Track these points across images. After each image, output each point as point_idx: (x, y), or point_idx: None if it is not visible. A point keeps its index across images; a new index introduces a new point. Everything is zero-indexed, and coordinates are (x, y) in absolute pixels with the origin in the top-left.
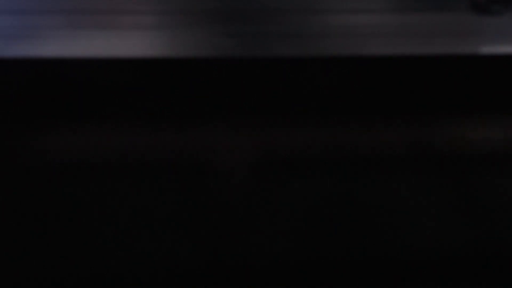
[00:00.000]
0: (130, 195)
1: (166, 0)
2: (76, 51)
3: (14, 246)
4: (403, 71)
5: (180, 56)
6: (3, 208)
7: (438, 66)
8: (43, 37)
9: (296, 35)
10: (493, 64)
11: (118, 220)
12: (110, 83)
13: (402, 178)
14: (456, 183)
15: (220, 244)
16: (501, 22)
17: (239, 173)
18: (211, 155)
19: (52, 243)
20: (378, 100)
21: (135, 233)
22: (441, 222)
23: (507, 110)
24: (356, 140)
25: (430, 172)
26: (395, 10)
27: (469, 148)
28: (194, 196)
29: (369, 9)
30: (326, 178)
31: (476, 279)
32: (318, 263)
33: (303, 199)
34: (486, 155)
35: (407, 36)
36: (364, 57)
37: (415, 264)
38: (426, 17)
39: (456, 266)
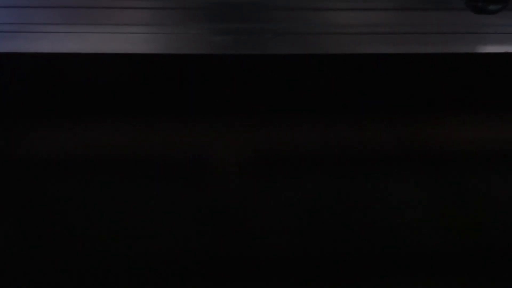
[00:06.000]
0: (127, 192)
1: None
2: (71, 46)
3: (12, 244)
4: (397, 69)
5: (177, 53)
6: None
7: (432, 64)
8: (38, 32)
9: (294, 32)
10: (487, 62)
11: (113, 217)
12: (104, 79)
13: (396, 176)
14: (450, 182)
15: (218, 242)
16: (498, 21)
17: (235, 171)
18: (207, 152)
19: (49, 241)
20: (372, 98)
21: (132, 230)
22: (433, 220)
23: (501, 109)
24: (353, 138)
25: (425, 171)
26: (391, 9)
27: (464, 147)
28: (191, 193)
29: (365, 7)
30: (324, 175)
31: (467, 276)
32: (313, 260)
33: (300, 196)
34: (480, 154)
35: (401, 34)
36: (358, 55)
37: (409, 260)
38: (421, 15)
39: (448, 263)
